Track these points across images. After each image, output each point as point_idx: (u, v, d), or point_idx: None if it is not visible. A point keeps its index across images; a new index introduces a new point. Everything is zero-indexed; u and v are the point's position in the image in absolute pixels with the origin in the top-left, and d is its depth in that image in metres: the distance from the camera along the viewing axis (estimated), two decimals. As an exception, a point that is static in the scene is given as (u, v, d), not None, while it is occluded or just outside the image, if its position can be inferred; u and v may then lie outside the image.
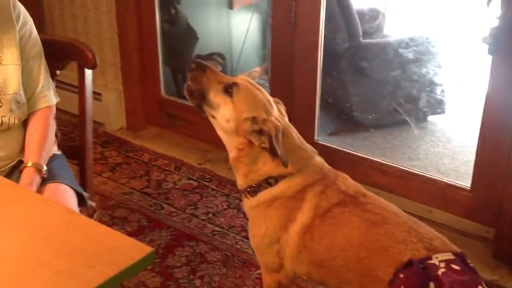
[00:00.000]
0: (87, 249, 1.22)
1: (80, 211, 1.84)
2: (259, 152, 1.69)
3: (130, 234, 2.59)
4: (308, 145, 1.78)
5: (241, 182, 1.77)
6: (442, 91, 3.97)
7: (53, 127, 1.93)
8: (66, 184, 1.83)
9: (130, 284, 2.32)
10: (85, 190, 1.95)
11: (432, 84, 3.96)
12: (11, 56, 1.81)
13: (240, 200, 1.83)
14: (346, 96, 3.85)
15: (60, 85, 2.14)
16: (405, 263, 1.48)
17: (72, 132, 3.47)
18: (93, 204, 1.98)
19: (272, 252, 1.74)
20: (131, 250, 1.21)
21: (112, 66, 3.53)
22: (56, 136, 2.07)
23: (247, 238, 1.88)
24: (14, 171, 1.83)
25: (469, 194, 2.64)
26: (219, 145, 1.80)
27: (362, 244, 1.58)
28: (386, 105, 3.86)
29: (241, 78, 1.77)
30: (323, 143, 3.05)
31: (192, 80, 1.75)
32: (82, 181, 2.02)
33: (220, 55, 4.03)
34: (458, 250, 1.53)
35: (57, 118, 2.12)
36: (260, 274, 1.90)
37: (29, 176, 1.75)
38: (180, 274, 2.42)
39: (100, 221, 2.00)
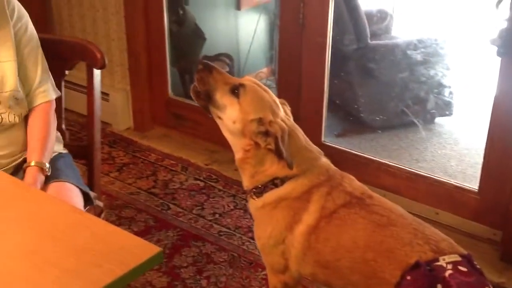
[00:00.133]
0: (95, 248, 1.22)
1: (88, 210, 1.84)
2: (265, 153, 1.69)
3: (137, 234, 2.59)
4: (314, 146, 1.78)
5: (247, 183, 1.78)
6: (450, 93, 3.96)
7: (54, 122, 1.91)
8: (71, 183, 1.82)
9: (136, 284, 2.33)
10: (92, 190, 1.96)
11: (440, 86, 3.95)
12: (7, 53, 1.79)
13: (247, 201, 1.83)
14: (353, 98, 3.84)
15: (68, 85, 2.15)
16: (412, 265, 1.48)
17: (79, 132, 3.48)
18: (100, 204, 1.98)
19: (278, 253, 1.74)
20: (139, 249, 1.22)
21: (120, 66, 3.54)
22: (63, 135, 2.08)
23: (253, 238, 1.88)
24: (19, 171, 1.83)
25: (477, 196, 2.63)
26: (226, 145, 1.80)
27: (368, 246, 1.58)
28: (393, 106, 3.85)
29: (247, 79, 1.77)
30: (330, 144, 3.05)
31: (199, 81, 1.75)
32: (90, 180, 2.03)
33: (228, 56, 4.04)
34: (465, 252, 1.53)
35: (65, 118, 2.13)
36: (266, 275, 1.90)
37: (32, 175, 1.75)
38: (187, 274, 2.42)
39: (107, 221, 2.01)
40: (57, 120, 2.08)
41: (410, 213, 1.67)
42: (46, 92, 1.89)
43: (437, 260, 1.47)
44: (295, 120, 1.80)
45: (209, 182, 3.08)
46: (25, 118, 1.88)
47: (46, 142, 1.83)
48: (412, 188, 2.79)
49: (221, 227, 2.73)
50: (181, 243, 2.61)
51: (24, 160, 1.82)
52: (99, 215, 1.90)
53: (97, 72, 1.99)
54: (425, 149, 3.65)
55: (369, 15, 3.98)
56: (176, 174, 3.16)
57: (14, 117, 1.82)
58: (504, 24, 2.33)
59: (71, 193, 1.80)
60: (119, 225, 2.69)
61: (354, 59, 3.81)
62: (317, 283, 1.88)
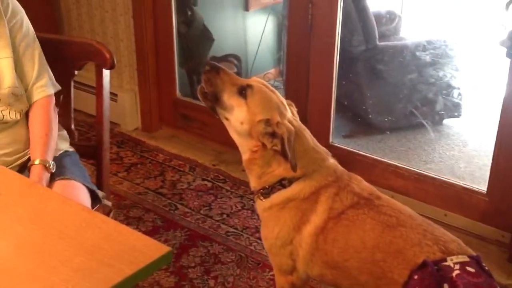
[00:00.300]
0: (105, 248, 1.22)
1: (96, 209, 1.84)
2: (272, 154, 1.69)
3: (144, 234, 2.58)
4: (321, 147, 1.78)
5: (254, 184, 1.78)
6: (459, 94, 3.94)
7: (55, 117, 1.90)
8: (77, 181, 1.82)
9: (144, 283, 2.33)
10: (101, 190, 1.96)
11: (449, 87, 3.94)
12: (3, 50, 1.79)
13: (254, 202, 1.84)
14: (362, 99, 3.84)
15: (76, 85, 2.15)
16: (420, 264, 1.47)
17: (88, 132, 3.50)
18: (109, 203, 1.99)
19: (285, 253, 1.74)
20: (148, 249, 1.22)
21: (128, 67, 3.55)
22: (73, 135, 2.08)
23: (261, 239, 1.88)
24: (24, 170, 1.82)
25: (485, 198, 2.62)
26: (233, 146, 1.80)
27: (377, 247, 1.57)
28: (402, 108, 3.84)
29: (255, 80, 1.77)
30: (338, 145, 3.05)
31: (206, 82, 1.75)
32: (99, 180, 2.03)
33: (236, 56, 4.05)
34: (473, 253, 1.52)
35: (74, 118, 2.14)
36: (273, 275, 1.90)
37: (37, 173, 1.75)
38: (194, 274, 2.42)
39: (115, 220, 2.02)
40: (67, 120, 2.09)
41: (419, 214, 1.67)
42: (45, 87, 1.88)
43: (445, 260, 1.46)
44: (303, 121, 1.80)
45: (216, 183, 3.08)
46: (27, 115, 1.88)
47: (48, 138, 1.82)
48: (420, 190, 2.79)
49: (229, 227, 2.73)
50: (189, 243, 2.61)
51: (29, 159, 1.82)
52: (107, 215, 1.91)
53: (106, 73, 1.99)
54: (434, 151, 3.64)
55: (378, 16, 3.98)
56: (183, 175, 3.16)
57: (15, 114, 1.82)
58: (514, 25, 2.32)
59: (78, 191, 1.80)
60: (127, 225, 2.68)
61: (363, 60, 3.80)
62: (325, 284, 1.87)
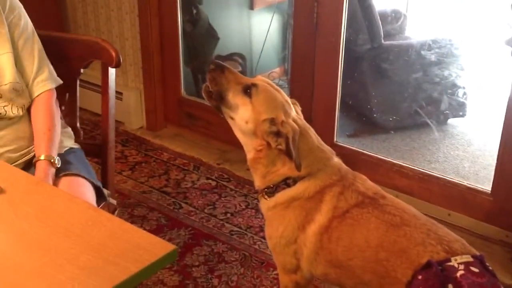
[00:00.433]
0: (111, 246, 1.23)
1: (102, 207, 1.85)
2: (277, 153, 1.69)
3: (149, 232, 2.60)
4: (326, 146, 1.78)
5: (258, 183, 1.78)
6: (464, 93, 3.94)
7: (57, 112, 1.90)
8: (82, 177, 1.83)
9: (148, 282, 2.34)
10: (106, 188, 1.97)
11: (454, 86, 3.93)
12: (2, 45, 1.79)
13: (258, 201, 1.84)
14: (366, 98, 3.84)
15: (81, 84, 2.15)
16: (424, 265, 1.47)
17: (92, 131, 3.51)
18: (114, 202, 1.99)
19: (289, 252, 1.74)
20: (154, 247, 1.22)
21: (133, 65, 3.56)
22: (78, 134, 2.09)
23: (265, 238, 1.88)
24: (30, 167, 1.83)
25: (490, 198, 2.62)
26: (238, 145, 1.81)
27: (381, 246, 1.57)
28: (406, 107, 3.84)
29: (260, 79, 1.77)
30: (343, 144, 3.05)
31: (211, 81, 1.75)
32: (104, 178, 2.04)
33: (240, 55, 4.05)
34: (477, 253, 1.52)
35: (79, 117, 2.15)
36: (277, 274, 1.91)
37: (43, 169, 1.75)
38: (198, 273, 2.43)
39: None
40: (72, 118, 2.10)
41: (423, 214, 1.67)
42: (45, 82, 1.88)
43: (449, 260, 1.46)
44: (307, 120, 1.80)
45: (221, 182, 3.09)
46: (29, 111, 1.88)
47: (52, 133, 1.82)
48: (424, 189, 2.79)
49: (233, 226, 2.73)
50: (193, 242, 2.62)
51: (34, 156, 1.82)
52: (112, 213, 1.91)
53: (112, 71, 2.00)
54: (438, 150, 3.64)
55: (383, 15, 3.97)
56: (188, 173, 3.17)
57: (17, 109, 1.83)
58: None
59: (84, 189, 1.81)
60: (131, 223, 2.67)
61: (368, 59, 3.80)
62: (329, 283, 1.88)
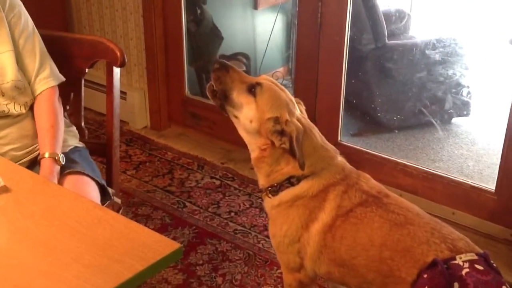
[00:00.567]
0: (116, 245, 1.23)
1: (107, 206, 1.85)
2: (281, 152, 1.69)
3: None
4: (330, 145, 1.78)
5: (262, 182, 1.78)
6: (468, 93, 3.93)
7: (60, 109, 1.90)
8: (87, 175, 1.83)
9: (152, 280, 2.35)
10: (111, 187, 1.97)
11: (458, 85, 3.92)
12: (3, 44, 1.79)
13: (262, 200, 1.84)
14: (370, 97, 3.84)
15: (85, 84, 2.16)
16: (429, 263, 1.48)
17: (97, 130, 3.52)
18: (118, 201, 2.00)
19: (293, 251, 1.75)
20: (159, 245, 1.23)
21: (137, 65, 3.57)
22: (83, 133, 2.10)
23: (269, 237, 1.88)
24: (35, 165, 1.83)
25: (494, 197, 2.62)
26: (242, 144, 1.81)
27: (385, 245, 1.58)
28: (411, 106, 3.83)
29: (264, 78, 1.77)
30: (347, 143, 3.05)
31: (215, 80, 1.75)
32: (108, 178, 2.05)
33: (244, 55, 4.05)
34: (481, 251, 1.52)
35: (84, 116, 2.15)
36: (281, 273, 1.91)
37: (48, 166, 1.76)
38: (202, 271, 2.44)
39: (125, 217, 2.03)
40: (77, 118, 2.11)
41: (427, 213, 1.67)
42: (48, 79, 1.88)
43: (454, 259, 1.47)
44: (311, 119, 1.80)
45: (225, 181, 3.10)
46: (32, 109, 1.88)
47: (55, 130, 1.83)
48: (428, 188, 2.79)
49: (237, 225, 2.74)
50: (197, 240, 2.63)
51: (39, 154, 1.83)
52: (117, 212, 1.92)
53: (116, 70, 2.00)
54: (442, 149, 3.63)
55: (387, 15, 3.97)
56: (192, 173, 3.18)
57: (20, 107, 1.83)
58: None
59: (88, 187, 1.81)
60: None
61: (372, 58, 3.80)
62: (332, 282, 1.88)
